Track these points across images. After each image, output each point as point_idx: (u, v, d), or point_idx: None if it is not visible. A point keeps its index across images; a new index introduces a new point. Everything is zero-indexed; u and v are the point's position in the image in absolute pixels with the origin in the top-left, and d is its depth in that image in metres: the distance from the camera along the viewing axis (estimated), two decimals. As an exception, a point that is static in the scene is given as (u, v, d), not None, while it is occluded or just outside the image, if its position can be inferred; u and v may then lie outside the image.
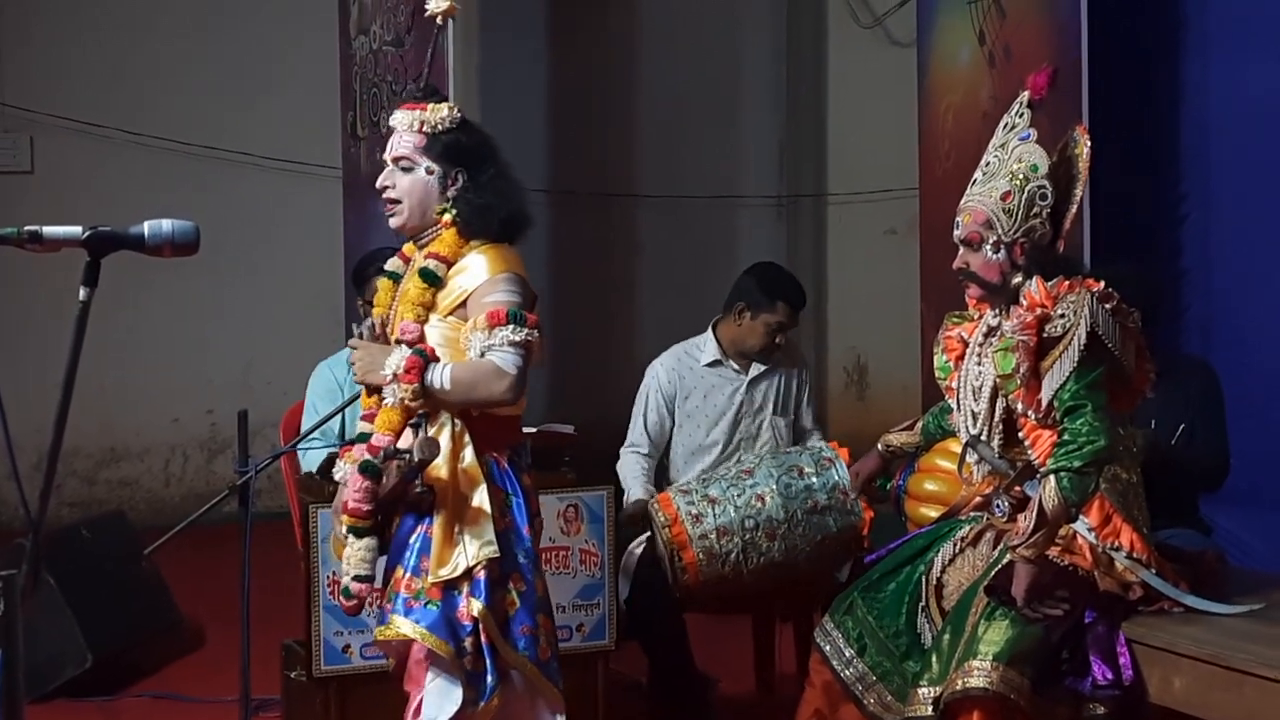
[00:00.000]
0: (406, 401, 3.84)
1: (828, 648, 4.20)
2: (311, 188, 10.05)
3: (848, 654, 4.17)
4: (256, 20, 10.21)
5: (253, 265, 10.08)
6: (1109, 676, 3.80)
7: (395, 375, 3.84)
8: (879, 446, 4.77)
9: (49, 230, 2.85)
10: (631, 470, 5.67)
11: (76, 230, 2.83)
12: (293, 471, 5.70)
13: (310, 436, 5.35)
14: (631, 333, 10.61)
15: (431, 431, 3.91)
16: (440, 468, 3.87)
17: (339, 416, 5.54)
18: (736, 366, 5.79)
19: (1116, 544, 3.98)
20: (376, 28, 8.45)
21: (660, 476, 5.73)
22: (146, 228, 2.87)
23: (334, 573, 4.78)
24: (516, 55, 10.61)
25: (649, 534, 5.17)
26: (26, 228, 2.85)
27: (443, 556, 3.87)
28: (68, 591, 6.06)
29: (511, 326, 3.84)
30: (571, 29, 10.94)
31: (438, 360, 3.88)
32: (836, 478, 5.00)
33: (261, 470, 4.68)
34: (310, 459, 5.42)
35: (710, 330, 5.85)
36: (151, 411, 10.15)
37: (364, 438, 4.06)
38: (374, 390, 4.02)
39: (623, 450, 5.78)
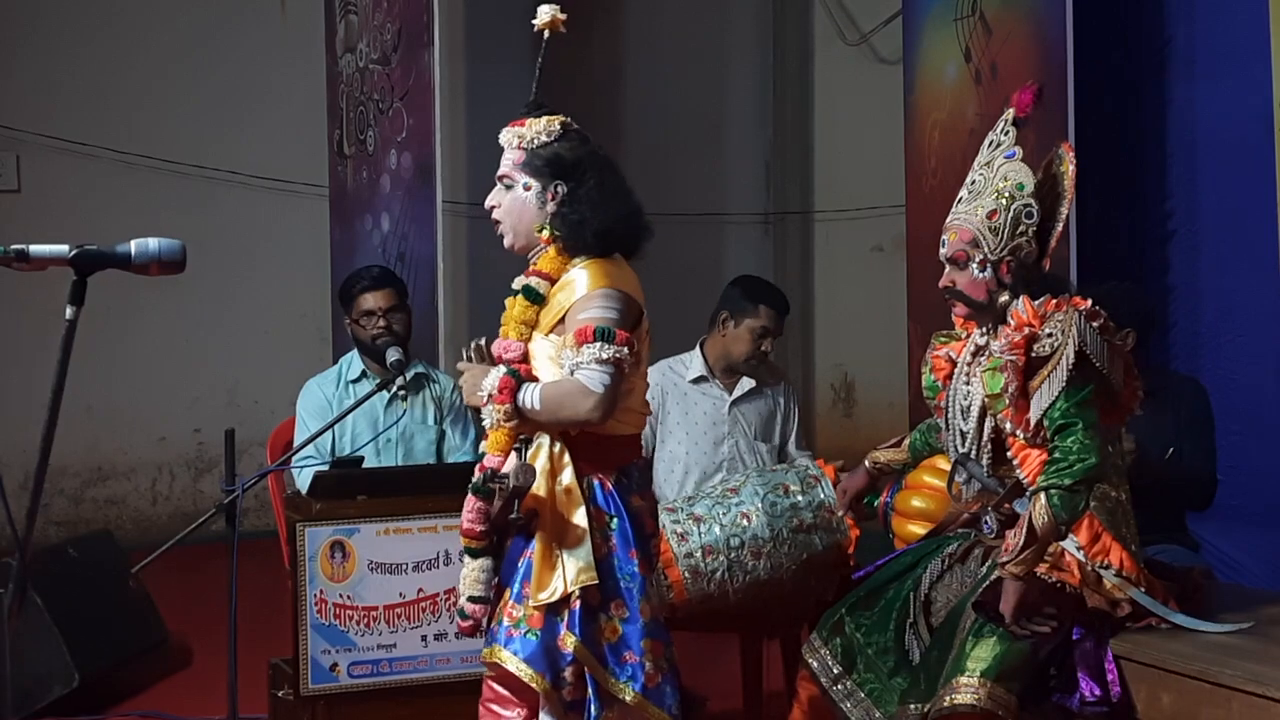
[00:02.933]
0: (501, 423, 3.82)
1: (815, 665, 4.19)
2: (298, 206, 10.04)
3: (835, 671, 4.17)
4: (243, 39, 10.19)
5: (239, 284, 10.06)
6: (1097, 693, 3.80)
7: (490, 396, 3.83)
8: (866, 464, 4.77)
9: (35, 249, 2.85)
10: None
11: (63, 249, 2.83)
12: (280, 490, 5.70)
13: (300, 454, 5.35)
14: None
15: (530, 452, 3.88)
16: (539, 489, 3.83)
17: (329, 433, 5.54)
18: (721, 385, 5.80)
19: (1105, 562, 3.98)
20: (363, 46, 8.46)
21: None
22: (133, 246, 2.87)
23: (321, 591, 4.79)
24: (502, 73, 10.59)
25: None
26: (13, 246, 2.85)
27: (542, 580, 3.82)
28: (55, 611, 6.03)
29: (599, 344, 3.77)
30: (557, 46, 10.92)
31: (533, 380, 3.86)
32: (822, 496, 4.99)
33: (248, 489, 4.67)
34: (302, 477, 5.42)
35: (698, 348, 5.86)
36: (138, 430, 10.12)
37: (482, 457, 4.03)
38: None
39: None
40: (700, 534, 4.96)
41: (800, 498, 5.01)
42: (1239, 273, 6.34)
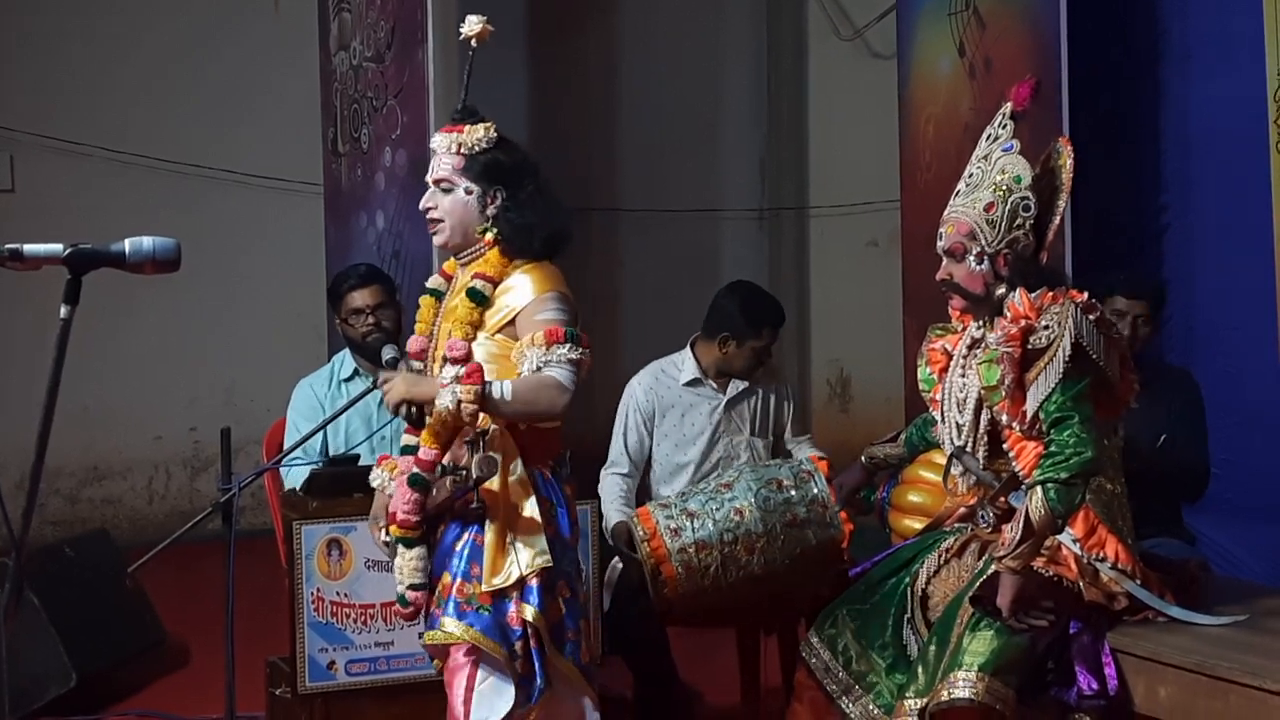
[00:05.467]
0: (464, 403, 3.86)
1: (813, 661, 4.19)
2: (293, 204, 10.03)
3: (833, 667, 4.17)
4: (237, 38, 10.18)
5: (235, 282, 10.05)
6: (1094, 686, 3.80)
7: (457, 378, 3.89)
8: (862, 459, 4.77)
9: (30, 248, 2.85)
10: (611, 494, 5.66)
11: (57, 248, 2.82)
12: (276, 488, 5.69)
13: (292, 454, 5.35)
14: (613, 347, 10.58)
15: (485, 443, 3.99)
16: (493, 480, 3.96)
17: (321, 433, 5.53)
18: (714, 386, 5.79)
19: (1101, 555, 3.98)
20: (357, 44, 8.45)
21: (642, 497, 5.72)
22: (127, 245, 2.86)
23: (318, 589, 4.79)
24: (497, 70, 10.60)
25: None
26: (7, 245, 2.85)
27: (496, 565, 3.98)
28: (51, 610, 6.03)
29: (569, 345, 3.97)
30: (553, 43, 10.94)
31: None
32: (815, 491, 4.99)
33: (245, 487, 4.67)
34: (293, 476, 5.41)
35: (689, 348, 5.84)
36: (134, 429, 10.12)
37: (409, 450, 4.16)
38: (416, 421, 4.04)
39: (604, 472, 5.76)
40: (694, 529, 4.96)
41: (793, 493, 5.00)
42: (1234, 266, 6.35)
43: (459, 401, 3.86)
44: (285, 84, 10.00)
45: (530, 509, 4.01)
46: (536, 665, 3.99)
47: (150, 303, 9.34)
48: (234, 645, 4.54)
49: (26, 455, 2.98)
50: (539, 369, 3.95)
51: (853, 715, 4.12)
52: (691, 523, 4.97)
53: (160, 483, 10.25)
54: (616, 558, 5.40)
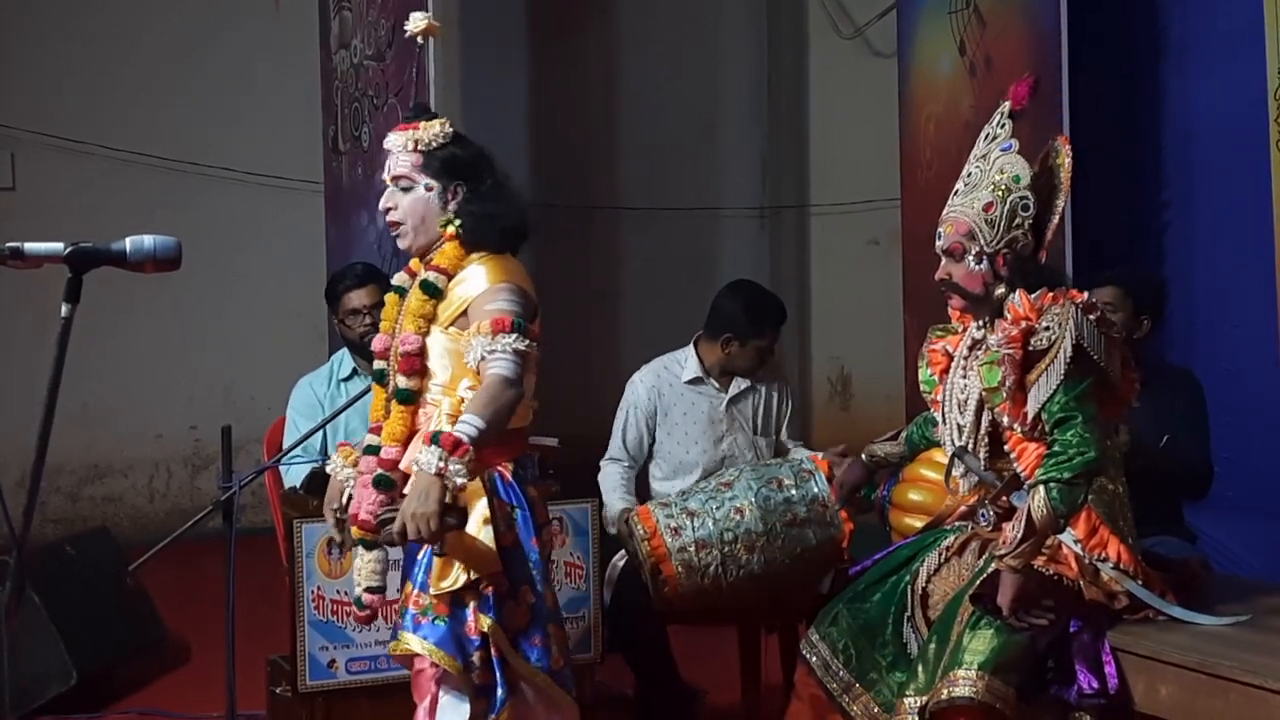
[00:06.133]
0: (469, 471, 3.75)
1: (814, 659, 4.19)
2: (294, 203, 10.04)
3: (834, 665, 4.16)
4: (238, 36, 10.20)
5: (235, 280, 10.06)
6: (1095, 685, 3.80)
7: (445, 459, 3.74)
8: (863, 457, 4.76)
9: (30, 246, 2.85)
10: (611, 481, 5.67)
11: (58, 246, 2.83)
12: (277, 486, 5.69)
13: (293, 452, 5.35)
14: (615, 345, 10.61)
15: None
16: None
17: (321, 432, 5.53)
18: (717, 385, 5.79)
19: (1103, 555, 3.97)
20: (358, 42, 8.46)
21: (643, 495, 5.72)
22: (128, 243, 2.87)
23: (318, 588, 4.79)
24: (499, 68, 10.61)
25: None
26: (8, 244, 2.85)
27: (444, 570, 3.89)
28: (52, 608, 6.03)
29: (515, 335, 3.87)
30: (553, 42, 10.94)
31: (453, 421, 3.87)
32: (816, 490, 5.00)
33: (245, 485, 4.68)
34: (293, 474, 5.41)
35: (692, 346, 5.83)
36: (135, 427, 10.13)
37: (374, 450, 4.10)
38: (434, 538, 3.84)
39: (603, 462, 5.78)
40: (694, 528, 4.96)
41: (794, 492, 5.01)
42: (1235, 264, 6.35)
43: (463, 483, 3.77)
44: (285, 82, 10.01)
45: (481, 512, 3.91)
46: (498, 674, 3.93)
47: (151, 301, 9.34)
48: (235, 643, 4.55)
49: (27, 453, 2.98)
50: (482, 358, 3.87)
51: (853, 713, 4.11)
52: (692, 521, 4.97)
53: (161, 481, 10.26)
54: (618, 555, 5.40)
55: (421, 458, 3.78)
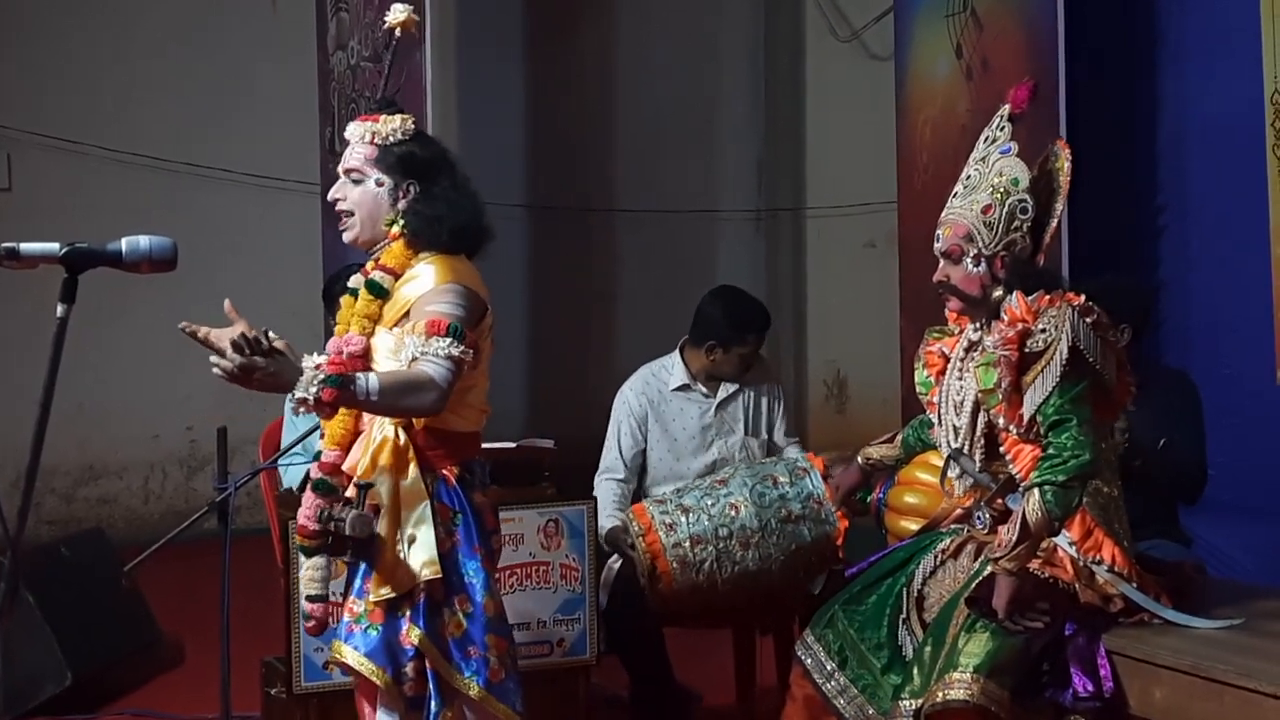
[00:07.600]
0: (321, 397, 3.61)
1: (809, 661, 4.19)
2: (290, 204, 10.04)
3: (829, 667, 4.16)
4: (234, 36, 10.20)
5: (231, 281, 9.99)
6: (1090, 688, 3.80)
7: (318, 365, 3.70)
8: (859, 460, 4.76)
9: (26, 247, 2.85)
10: (605, 500, 5.61)
11: (54, 247, 2.83)
12: (272, 488, 5.69)
13: (290, 452, 5.34)
14: (611, 348, 10.61)
15: (373, 449, 3.86)
16: (383, 486, 3.82)
17: (316, 433, 5.52)
18: (705, 390, 5.80)
19: (1098, 558, 3.98)
20: (354, 43, 8.46)
21: (637, 497, 5.71)
22: (124, 244, 2.87)
23: (311, 590, 4.78)
24: (495, 71, 10.61)
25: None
26: (4, 244, 2.85)
27: (381, 577, 3.82)
28: (47, 610, 6.03)
29: (450, 340, 3.72)
30: (551, 44, 10.94)
31: (396, 426, 3.82)
32: (810, 487, 5.00)
33: (241, 487, 4.66)
34: (290, 475, 5.41)
35: (678, 353, 5.84)
36: (130, 428, 10.12)
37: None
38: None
39: (598, 478, 5.76)
40: (688, 525, 4.97)
41: (788, 489, 5.01)
42: (1231, 267, 6.35)
43: (317, 395, 3.62)
44: (282, 84, 10.02)
45: (422, 516, 3.82)
46: (431, 686, 3.81)
47: (146, 301, 9.31)
48: (229, 645, 4.54)
49: (22, 454, 2.96)
50: (414, 358, 3.72)
51: (848, 716, 4.11)
52: (686, 518, 4.98)
53: (156, 482, 10.26)
54: (612, 557, 5.40)
55: (310, 359, 3.72)
